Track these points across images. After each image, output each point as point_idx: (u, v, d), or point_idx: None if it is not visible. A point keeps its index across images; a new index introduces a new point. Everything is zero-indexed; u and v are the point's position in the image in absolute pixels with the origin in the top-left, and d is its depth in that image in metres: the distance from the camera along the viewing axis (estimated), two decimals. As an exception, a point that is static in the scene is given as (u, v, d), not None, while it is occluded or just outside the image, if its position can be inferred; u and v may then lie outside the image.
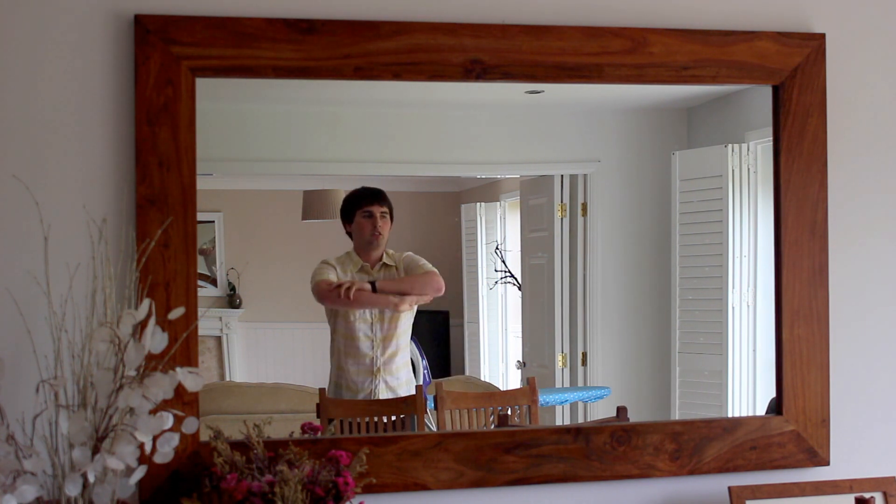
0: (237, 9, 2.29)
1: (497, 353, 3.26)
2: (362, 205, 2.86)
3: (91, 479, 1.91)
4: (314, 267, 2.86)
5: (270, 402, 2.89)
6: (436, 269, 2.89)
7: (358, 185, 2.91)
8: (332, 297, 2.82)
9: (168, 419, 1.97)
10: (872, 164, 2.65)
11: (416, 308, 2.89)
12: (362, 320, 2.85)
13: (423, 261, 2.89)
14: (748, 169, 2.85)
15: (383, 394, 2.85)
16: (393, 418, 2.83)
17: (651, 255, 2.99)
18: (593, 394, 3.00)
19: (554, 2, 2.46)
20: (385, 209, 2.87)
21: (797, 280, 2.55)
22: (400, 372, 2.88)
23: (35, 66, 2.23)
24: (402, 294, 2.85)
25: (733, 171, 2.86)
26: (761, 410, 2.73)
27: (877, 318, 2.66)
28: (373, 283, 2.83)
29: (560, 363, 3.06)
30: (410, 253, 2.89)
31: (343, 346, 2.85)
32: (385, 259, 2.88)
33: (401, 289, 2.86)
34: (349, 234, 2.89)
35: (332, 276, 2.83)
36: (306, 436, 2.29)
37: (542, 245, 3.09)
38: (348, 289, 2.80)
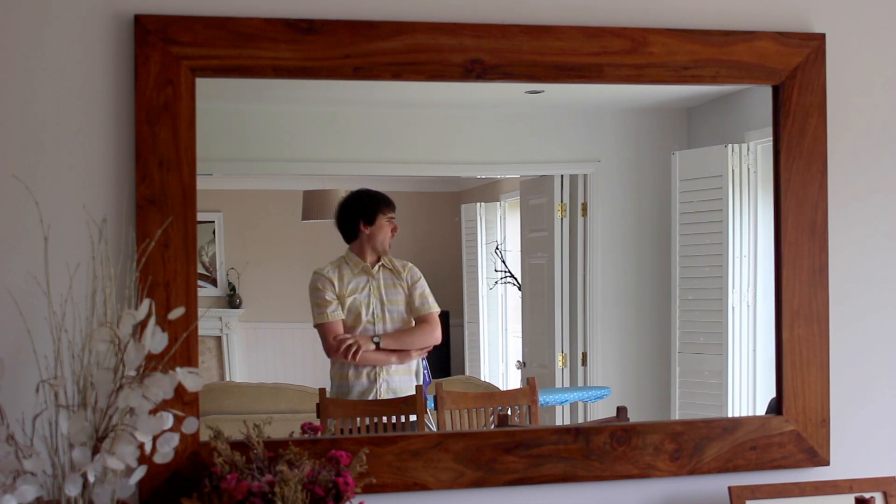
0: (237, 9, 2.29)
1: (497, 353, 3.26)
2: (385, 210, 2.88)
3: (91, 479, 1.91)
4: (313, 268, 2.86)
5: (270, 402, 2.89)
6: (437, 308, 2.91)
7: (358, 186, 2.91)
8: (339, 356, 2.84)
9: (168, 419, 1.97)
10: (872, 164, 2.65)
11: (411, 318, 2.91)
12: (365, 322, 2.86)
13: (426, 287, 2.90)
14: (748, 169, 2.85)
15: (385, 396, 2.85)
16: (393, 418, 2.83)
17: (651, 255, 2.99)
18: (593, 394, 3.00)
19: (554, 2, 2.46)
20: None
21: (797, 280, 2.55)
22: (401, 375, 2.88)
23: (35, 66, 2.23)
24: (404, 351, 2.87)
25: (733, 171, 2.86)
26: (761, 410, 2.72)
27: (877, 318, 2.66)
28: (377, 343, 2.84)
29: (560, 363, 3.06)
30: (413, 266, 2.89)
31: None
32: (383, 261, 2.88)
33: (403, 347, 2.87)
34: (355, 232, 2.88)
35: (331, 296, 2.84)
36: (306, 436, 2.29)
37: (542, 245, 3.09)
38: (356, 351, 2.82)
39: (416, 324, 2.90)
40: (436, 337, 2.93)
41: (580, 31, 2.43)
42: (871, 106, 2.64)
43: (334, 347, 2.84)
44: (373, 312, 2.86)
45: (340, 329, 2.84)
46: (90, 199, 2.23)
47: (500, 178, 3.19)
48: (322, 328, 2.85)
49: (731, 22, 2.53)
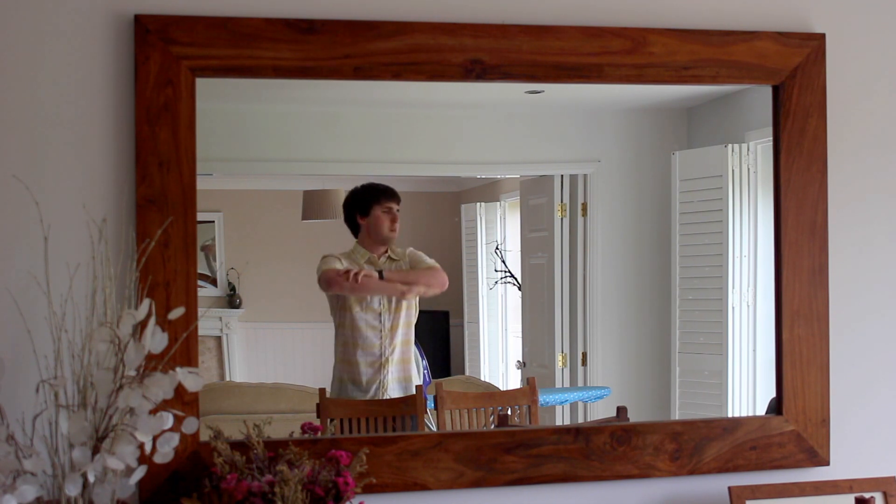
0: (237, 9, 2.29)
1: (497, 353, 3.26)
2: (381, 200, 2.88)
3: (91, 479, 1.91)
4: (315, 266, 2.86)
5: (270, 402, 2.89)
6: (439, 265, 2.90)
7: (358, 186, 2.92)
8: (341, 283, 2.83)
9: (168, 419, 1.97)
10: (872, 164, 2.65)
11: (417, 304, 2.90)
12: (369, 310, 2.86)
13: (426, 256, 2.90)
14: (748, 169, 2.85)
15: (392, 385, 2.86)
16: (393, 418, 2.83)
17: (651, 254, 2.99)
18: (593, 394, 3.00)
19: (554, 2, 2.46)
20: (399, 207, 2.90)
21: (797, 280, 2.55)
22: (409, 363, 2.88)
23: (35, 66, 2.23)
24: (408, 284, 2.87)
25: (733, 171, 2.87)
26: (761, 410, 2.73)
27: (877, 317, 2.66)
28: (380, 272, 2.84)
29: (560, 363, 3.06)
30: (412, 249, 2.90)
31: (350, 338, 2.85)
32: (390, 253, 2.89)
33: (407, 279, 2.87)
34: (357, 225, 2.88)
35: (339, 266, 2.85)
36: (306, 436, 2.29)
37: (542, 245, 3.09)
38: (357, 273, 2.81)
39: None
40: (441, 279, 2.92)
41: (580, 31, 2.43)
42: (872, 106, 2.65)
43: (335, 276, 2.83)
44: (379, 300, 2.86)
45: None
46: (90, 199, 2.23)
47: (500, 178, 3.19)
48: (325, 272, 2.84)
49: (731, 22, 2.53)
